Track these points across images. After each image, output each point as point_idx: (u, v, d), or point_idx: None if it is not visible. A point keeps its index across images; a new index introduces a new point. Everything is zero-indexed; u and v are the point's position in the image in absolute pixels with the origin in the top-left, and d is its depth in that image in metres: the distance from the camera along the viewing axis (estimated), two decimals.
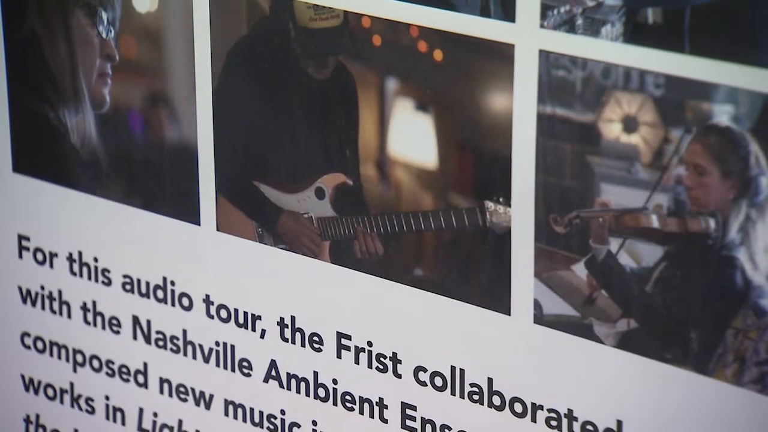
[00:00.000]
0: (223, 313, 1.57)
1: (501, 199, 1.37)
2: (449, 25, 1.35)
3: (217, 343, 1.58)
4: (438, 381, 1.44)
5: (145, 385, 1.63)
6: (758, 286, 1.25)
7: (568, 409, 1.37)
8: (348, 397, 1.50)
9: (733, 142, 1.23)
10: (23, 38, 1.60)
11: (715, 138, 1.25)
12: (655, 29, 1.26)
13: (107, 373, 1.66)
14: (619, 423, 1.35)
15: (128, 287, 1.62)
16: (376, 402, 1.49)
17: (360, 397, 1.49)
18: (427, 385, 1.45)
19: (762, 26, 1.20)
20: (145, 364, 1.63)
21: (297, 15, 1.43)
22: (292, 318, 1.53)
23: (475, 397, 1.42)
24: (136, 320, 1.63)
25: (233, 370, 1.57)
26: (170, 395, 1.62)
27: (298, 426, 1.54)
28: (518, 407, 1.40)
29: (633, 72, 1.28)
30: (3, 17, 1.61)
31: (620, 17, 1.27)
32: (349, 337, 1.49)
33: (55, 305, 1.67)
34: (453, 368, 1.43)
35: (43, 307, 1.69)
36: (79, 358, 1.67)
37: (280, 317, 1.53)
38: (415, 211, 1.43)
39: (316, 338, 1.51)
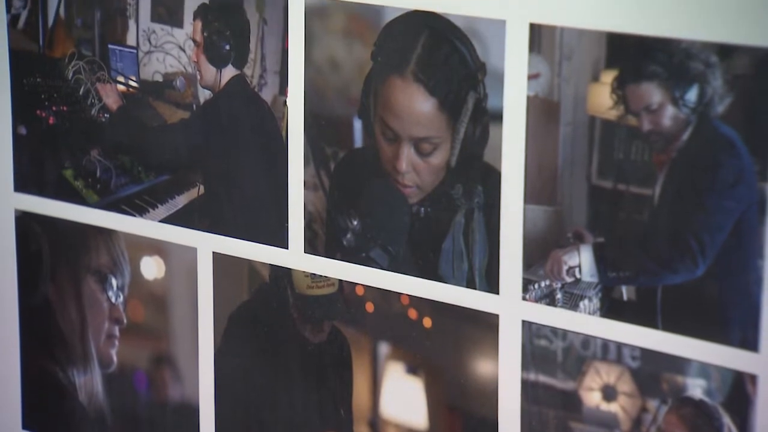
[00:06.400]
0: None
1: None
2: (438, 295, 1.41)
3: None
4: None
5: None
6: None
7: None
8: None
9: (707, 415, 1.27)
10: (36, 303, 1.64)
11: (689, 410, 1.28)
12: (629, 305, 1.31)
13: None
14: None
15: None
16: None
17: None
18: None
19: (728, 307, 1.26)
20: None
21: (295, 282, 1.49)
22: None
23: None
24: None
25: None
26: None
27: None
28: None
29: (610, 344, 1.33)
30: (18, 284, 1.66)
31: (597, 293, 1.33)
32: None
33: None
34: None
35: None
36: None
37: None
38: None
39: None
